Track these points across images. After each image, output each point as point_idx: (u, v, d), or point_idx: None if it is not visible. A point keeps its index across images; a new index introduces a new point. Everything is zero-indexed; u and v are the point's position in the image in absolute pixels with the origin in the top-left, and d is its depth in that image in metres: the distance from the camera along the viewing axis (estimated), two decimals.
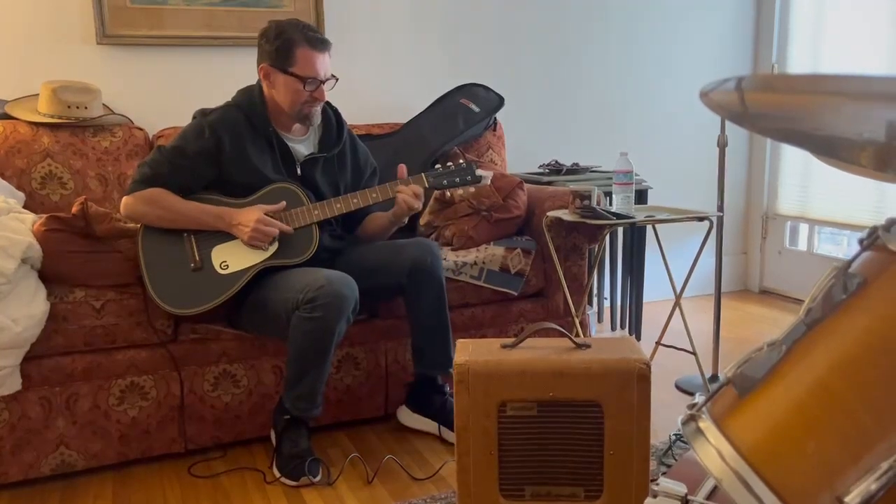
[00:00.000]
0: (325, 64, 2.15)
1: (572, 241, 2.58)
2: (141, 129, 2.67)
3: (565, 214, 2.43)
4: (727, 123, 2.84)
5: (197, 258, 2.10)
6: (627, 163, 2.47)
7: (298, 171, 2.23)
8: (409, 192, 2.16)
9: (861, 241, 0.82)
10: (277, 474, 2.06)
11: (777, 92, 0.68)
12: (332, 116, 2.32)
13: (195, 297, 2.05)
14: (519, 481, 1.64)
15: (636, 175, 2.71)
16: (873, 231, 0.80)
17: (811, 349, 0.76)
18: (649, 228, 3.19)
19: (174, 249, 2.11)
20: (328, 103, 2.29)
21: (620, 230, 3.38)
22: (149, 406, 2.14)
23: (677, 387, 2.70)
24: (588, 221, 2.33)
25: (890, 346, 0.69)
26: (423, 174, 2.21)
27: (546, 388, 1.60)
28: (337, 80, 2.20)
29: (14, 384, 1.96)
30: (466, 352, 1.67)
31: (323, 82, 2.16)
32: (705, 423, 0.80)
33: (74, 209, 2.05)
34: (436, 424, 2.27)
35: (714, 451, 0.76)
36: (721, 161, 2.60)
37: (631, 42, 3.64)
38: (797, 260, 3.89)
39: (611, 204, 2.56)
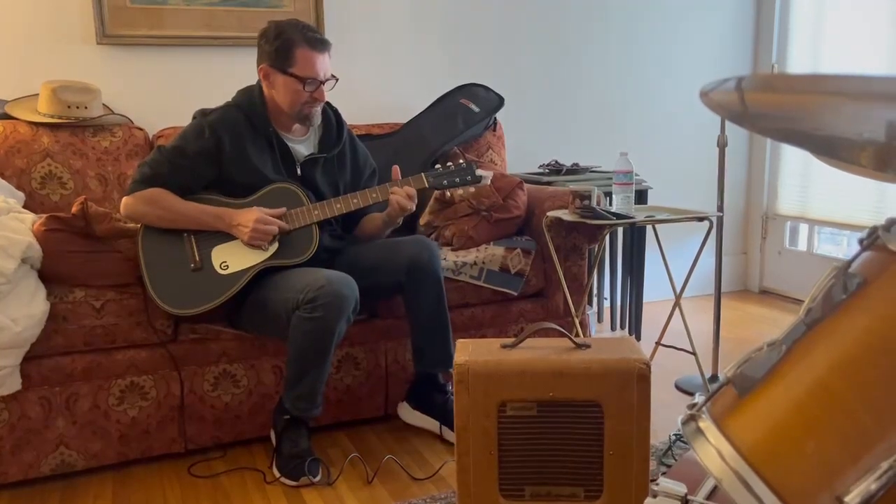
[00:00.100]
0: (324, 64, 2.15)
1: (572, 241, 2.58)
2: (141, 129, 2.67)
3: (565, 214, 2.43)
4: (727, 123, 2.84)
5: (197, 258, 2.10)
6: (627, 163, 2.48)
7: (298, 172, 2.23)
8: (402, 194, 2.16)
9: (861, 241, 0.82)
10: (277, 474, 2.06)
11: (777, 92, 0.68)
12: (332, 117, 2.32)
13: (195, 298, 2.05)
14: (519, 481, 1.64)
15: (636, 175, 2.71)
16: (873, 231, 0.80)
17: (811, 349, 0.76)
18: (649, 228, 3.19)
19: (174, 249, 2.11)
20: (328, 103, 2.29)
21: (620, 230, 3.38)
22: (149, 406, 2.14)
23: (677, 387, 2.70)
24: (588, 221, 2.33)
25: (890, 346, 0.69)
26: (422, 174, 2.21)
27: (546, 388, 1.60)
28: (337, 80, 2.20)
29: (14, 384, 1.96)
30: (466, 352, 1.67)
31: (322, 83, 2.16)
32: (705, 423, 0.80)
33: (74, 209, 2.05)
34: (436, 423, 2.27)
35: (714, 451, 0.76)
36: (721, 161, 2.60)
37: (631, 42, 3.64)
38: (797, 260, 3.89)
39: (611, 204, 2.56)
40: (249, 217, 2.07)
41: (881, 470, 0.62)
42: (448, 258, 2.44)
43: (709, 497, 0.89)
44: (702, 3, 3.74)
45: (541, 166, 3.35)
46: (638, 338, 3.29)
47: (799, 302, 3.75)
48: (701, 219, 2.44)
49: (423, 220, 2.72)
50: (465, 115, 2.98)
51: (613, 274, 3.41)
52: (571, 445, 1.61)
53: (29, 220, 2.08)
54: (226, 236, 2.12)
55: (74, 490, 2.05)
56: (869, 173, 1.00)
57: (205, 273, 2.08)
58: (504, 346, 1.70)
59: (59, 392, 2.04)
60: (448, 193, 2.62)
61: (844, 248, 3.76)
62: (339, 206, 2.16)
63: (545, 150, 3.50)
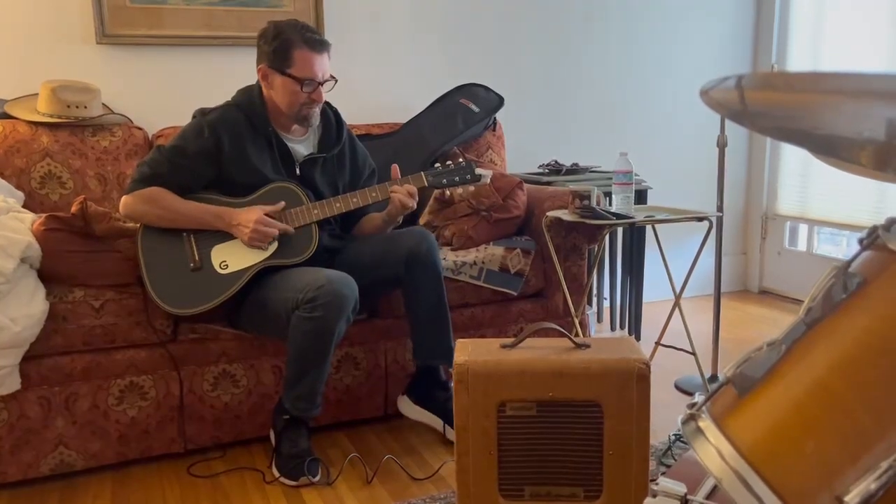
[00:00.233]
0: (323, 65, 2.14)
1: (572, 241, 2.58)
2: (140, 129, 2.66)
3: (565, 214, 2.43)
4: (727, 124, 2.84)
5: (196, 258, 2.10)
6: (627, 163, 2.47)
7: (298, 171, 2.23)
8: (403, 192, 2.16)
9: (861, 241, 0.82)
10: (277, 474, 2.06)
11: (777, 90, 0.68)
12: (331, 116, 2.31)
13: (195, 297, 2.05)
14: (518, 481, 1.64)
15: (636, 175, 2.71)
16: (873, 230, 0.80)
17: (811, 349, 0.76)
18: (649, 228, 3.19)
19: (174, 249, 2.10)
20: (328, 103, 2.29)
21: (620, 230, 3.38)
22: (148, 406, 2.14)
23: (677, 387, 2.70)
24: (588, 221, 2.33)
25: (889, 346, 0.69)
26: (422, 173, 2.21)
27: (545, 388, 1.59)
28: (336, 81, 2.20)
29: (13, 384, 1.96)
30: (466, 352, 1.67)
31: (321, 84, 2.15)
32: (705, 423, 0.80)
33: (74, 209, 2.05)
34: (437, 419, 2.26)
35: (714, 451, 0.76)
36: (721, 161, 2.60)
37: (631, 42, 3.64)
38: (796, 260, 3.89)
39: (610, 204, 2.55)
40: (249, 217, 2.07)
41: (881, 470, 0.62)
42: (448, 258, 2.43)
43: (708, 497, 0.89)
44: (702, 3, 3.74)
45: (540, 166, 3.35)
46: (637, 338, 3.29)
47: (798, 302, 3.75)
48: (700, 219, 2.44)
49: (422, 220, 2.72)
50: (465, 115, 2.98)
51: (613, 274, 3.41)
52: (571, 445, 1.61)
53: (28, 220, 2.08)
54: (225, 236, 2.12)
55: (74, 490, 2.05)
56: (869, 172, 1.00)
57: (204, 273, 2.08)
58: (504, 346, 1.70)
59: (58, 392, 2.04)
60: (448, 193, 2.62)
61: (844, 248, 3.76)
62: (338, 205, 2.16)
63: (545, 150, 3.50)
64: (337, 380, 2.33)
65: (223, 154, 2.14)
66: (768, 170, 3.97)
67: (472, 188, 2.25)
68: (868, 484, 0.62)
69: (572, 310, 2.49)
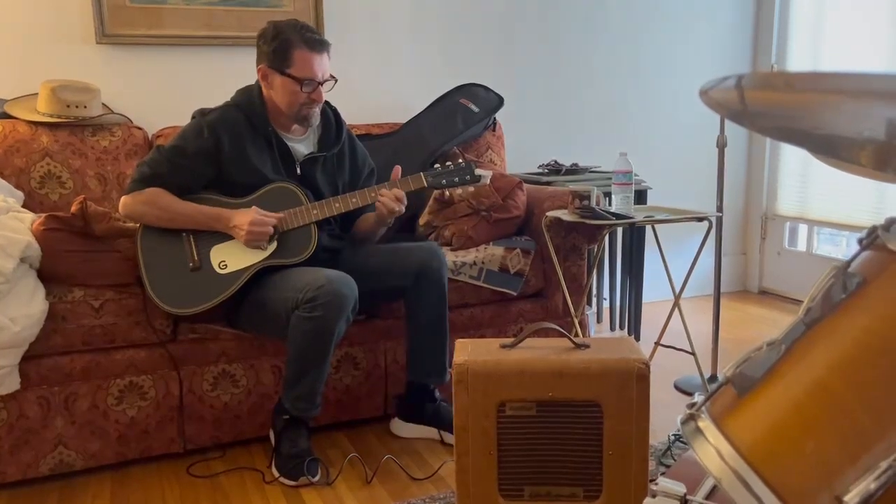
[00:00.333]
0: (322, 65, 2.14)
1: (571, 241, 2.58)
2: (140, 129, 2.66)
3: (565, 214, 2.43)
4: (727, 124, 2.84)
5: (196, 258, 2.10)
6: (627, 163, 2.47)
7: (298, 171, 2.22)
8: (390, 197, 2.14)
9: (860, 241, 0.82)
10: (276, 474, 2.05)
11: (777, 90, 0.68)
12: (331, 116, 2.31)
13: (194, 297, 2.05)
14: (518, 481, 1.64)
15: (635, 175, 2.71)
16: (873, 230, 0.80)
17: (810, 349, 0.76)
18: (648, 229, 3.19)
19: (173, 249, 2.10)
20: (327, 103, 2.29)
21: (620, 230, 3.38)
22: (147, 406, 2.14)
23: (676, 387, 2.70)
24: (587, 221, 2.33)
25: (889, 346, 0.69)
26: (421, 173, 2.21)
27: (545, 388, 1.59)
28: (336, 80, 2.20)
29: (12, 384, 1.96)
30: (465, 352, 1.67)
31: (320, 84, 2.15)
32: (704, 423, 0.80)
33: (73, 208, 2.05)
34: (433, 430, 2.27)
35: (713, 451, 0.76)
36: (720, 161, 2.60)
37: (630, 42, 3.64)
38: (796, 260, 3.89)
39: (610, 204, 2.55)
40: (245, 218, 2.07)
41: (880, 469, 0.62)
42: (447, 258, 2.43)
43: (708, 497, 0.89)
44: (701, 3, 3.75)
45: (540, 166, 3.35)
46: (637, 338, 3.29)
47: (798, 302, 3.75)
48: (700, 219, 2.44)
49: (422, 220, 2.72)
50: (465, 115, 2.98)
51: (613, 274, 3.41)
52: (571, 445, 1.61)
53: (28, 220, 2.08)
54: (225, 235, 2.12)
55: (73, 490, 2.05)
56: (869, 173, 1.00)
57: (204, 273, 2.08)
58: (503, 346, 1.70)
59: (57, 392, 2.04)
60: (447, 193, 2.62)
61: (843, 248, 3.76)
62: (337, 205, 2.16)
63: (545, 150, 3.50)
64: (337, 380, 2.33)
65: (223, 154, 2.14)
66: (768, 170, 3.97)
67: (471, 188, 2.25)
68: (867, 484, 0.62)
69: (572, 310, 2.49)
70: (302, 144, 2.26)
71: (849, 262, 0.80)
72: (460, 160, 2.26)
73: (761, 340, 0.84)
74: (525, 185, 2.72)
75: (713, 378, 2.67)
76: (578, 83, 3.56)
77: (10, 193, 2.32)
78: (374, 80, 3.17)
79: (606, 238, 3.06)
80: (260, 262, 2.09)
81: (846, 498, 0.63)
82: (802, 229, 3.87)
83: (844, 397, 0.70)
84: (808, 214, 3.77)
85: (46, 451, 2.05)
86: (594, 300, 3.41)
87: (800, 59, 3.75)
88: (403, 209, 2.17)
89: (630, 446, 1.60)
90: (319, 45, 2.13)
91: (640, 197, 3.16)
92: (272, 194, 2.15)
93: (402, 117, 3.07)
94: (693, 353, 2.50)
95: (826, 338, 0.76)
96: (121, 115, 2.69)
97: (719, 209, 2.61)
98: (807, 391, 0.73)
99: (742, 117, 0.81)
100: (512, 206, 2.61)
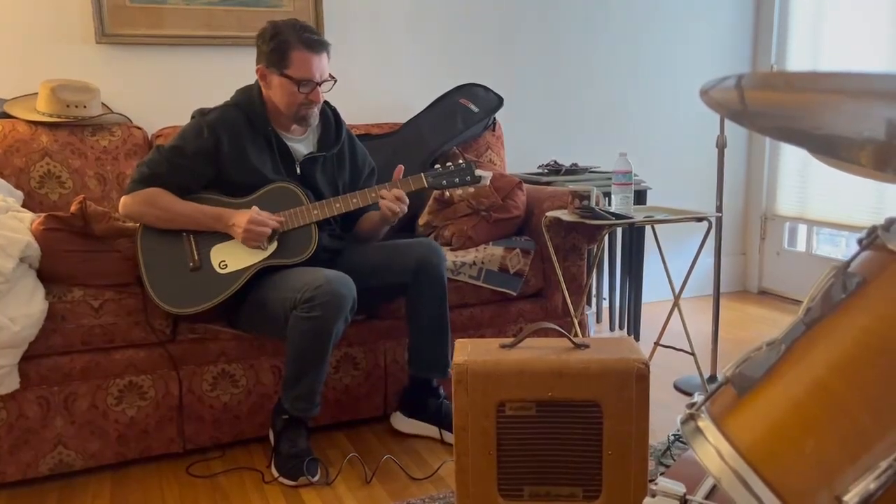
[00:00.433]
0: (320, 66, 2.13)
1: (571, 241, 2.58)
2: (140, 129, 2.66)
3: (564, 214, 2.43)
4: (726, 124, 2.84)
5: (196, 258, 2.10)
6: (626, 163, 2.47)
7: (297, 171, 2.22)
8: (391, 197, 2.14)
9: (860, 241, 0.82)
10: (276, 474, 2.05)
11: (777, 90, 0.68)
12: (330, 116, 2.31)
13: (194, 297, 2.05)
14: (518, 481, 1.64)
15: (635, 175, 2.71)
16: (872, 230, 0.80)
17: (810, 349, 0.76)
18: (648, 229, 3.19)
19: (173, 249, 2.10)
20: (327, 103, 2.29)
21: (619, 230, 3.38)
22: (147, 406, 2.14)
23: (676, 387, 2.70)
24: (587, 222, 2.33)
25: (889, 346, 0.69)
26: (422, 174, 2.21)
27: (545, 388, 1.59)
28: (335, 81, 2.19)
29: (12, 383, 1.96)
30: (465, 352, 1.67)
31: (318, 84, 2.14)
32: (704, 423, 0.80)
33: (73, 208, 2.05)
34: (433, 428, 2.27)
35: (713, 451, 0.76)
36: (720, 162, 2.60)
37: (630, 42, 3.64)
38: (796, 261, 3.89)
39: (610, 204, 2.56)
40: (244, 217, 2.07)
41: (880, 469, 0.62)
42: (447, 258, 2.43)
43: (708, 497, 0.89)
44: (701, 3, 3.75)
45: (540, 166, 3.35)
46: (637, 338, 3.29)
47: (797, 302, 3.75)
48: (700, 219, 2.44)
49: (422, 220, 2.72)
50: (465, 115, 2.98)
51: (612, 274, 3.41)
52: (570, 445, 1.61)
53: (27, 219, 2.08)
54: (225, 236, 2.12)
55: (72, 490, 2.05)
56: (868, 173, 1.00)
57: (203, 272, 2.08)
58: (503, 346, 1.70)
59: (57, 392, 2.04)
60: (447, 193, 2.62)
61: (843, 248, 3.77)
62: (338, 205, 2.16)
63: (544, 150, 3.50)
64: (336, 380, 2.33)
65: (222, 154, 2.14)
66: (767, 170, 3.97)
67: (472, 189, 2.25)
68: (867, 483, 0.62)
69: (571, 310, 2.49)
70: (301, 144, 2.26)
71: (848, 262, 0.80)
72: (461, 161, 2.26)
73: (761, 340, 0.84)
74: (525, 185, 2.72)
75: (713, 378, 2.67)
76: (578, 83, 3.56)
77: (9, 193, 2.32)
78: (373, 80, 3.17)
79: (606, 238, 3.06)
80: (260, 262, 2.09)
81: (846, 497, 0.63)
82: (802, 229, 3.87)
83: (844, 397, 0.70)
84: (808, 215, 3.77)
85: (46, 451, 2.05)
86: (594, 300, 3.41)
87: (799, 59, 3.75)
88: (406, 209, 2.17)
89: (630, 446, 1.60)
90: (318, 46, 2.12)
91: (640, 197, 3.16)
92: (272, 194, 2.15)
93: (402, 117, 3.07)
94: (693, 354, 2.50)
95: (826, 337, 0.76)
96: (120, 114, 2.69)
97: (719, 209, 2.61)
98: (806, 391, 0.73)
99: (742, 117, 0.81)
100: (512, 206, 2.61)
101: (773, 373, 0.78)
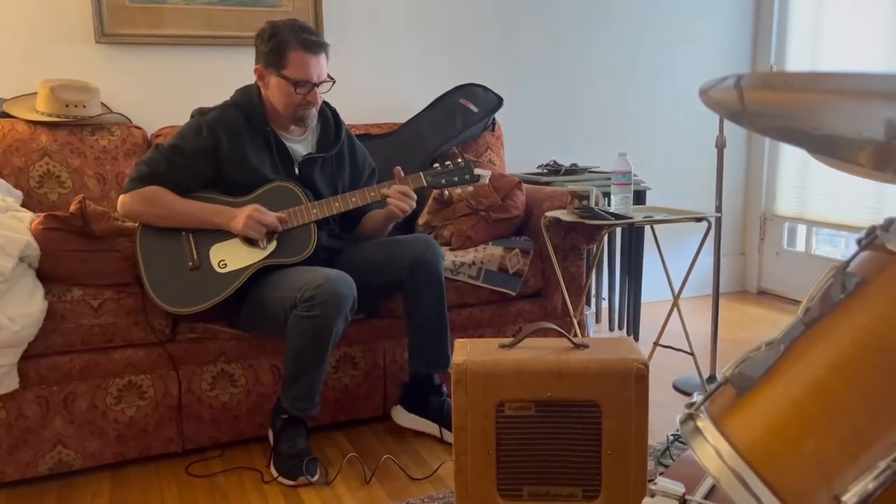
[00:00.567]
0: (318, 67, 2.13)
1: (571, 241, 2.58)
2: (139, 128, 2.66)
3: (564, 215, 2.43)
4: (726, 124, 2.84)
5: (195, 257, 2.10)
6: (626, 163, 2.47)
7: (296, 171, 2.22)
8: (397, 196, 2.14)
9: (859, 241, 0.82)
10: (275, 474, 2.05)
11: (776, 90, 0.68)
12: (330, 117, 2.31)
13: (193, 296, 2.05)
14: (517, 481, 1.64)
15: (634, 175, 2.71)
16: (872, 231, 0.80)
17: (809, 349, 0.76)
18: (647, 229, 3.19)
19: (172, 248, 2.10)
20: (326, 103, 2.29)
21: (619, 231, 3.38)
22: (146, 405, 2.14)
23: (675, 387, 2.70)
24: (586, 222, 2.33)
25: (888, 346, 0.69)
26: (421, 173, 2.21)
27: (544, 388, 1.59)
28: (333, 81, 2.18)
29: (11, 383, 1.96)
30: (464, 352, 1.67)
31: (316, 85, 2.14)
32: (703, 423, 0.80)
33: (72, 208, 2.05)
34: (434, 425, 2.27)
35: (712, 450, 0.76)
36: (719, 162, 2.60)
37: (630, 42, 3.64)
38: (795, 261, 3.89)
39: (609, 204, 2.56)
40: (245, 211, 2.08)
41: (879, 469, 0.62)
42: (446, 258, 2.43)
43: (707, 496, 0.89)
44: (701, 3, 3.75)
45: (539, 166, 3.35)
46: (636, 338, 3.29)
47: (797, 303, 3.75)
48: (699, 219, 2.44)
49: (421, 220, 2.72)
50: (464, 115, 2.98)
51: (612, 274, 3.41)
52: (569, 445, 1.61)
53: (27, 219, 2.08)
54: (224, 235, 2.12)
55: (72, 489, 2.05)
56: (867, 173, 1.00)
57: (203, 272, 2.08)
58: (502, 346, 1.70)
59: (56, 391, 2.04)
60: (446, 193, 2.62)
61: (842, 249, 3.77)
62: (337, 204, 2.16)
63: (544, 150, 3.50)
64: (335, 379, 2.33)
65: (221, 153, 2.14)
66: (767, 170, 3.97)
67: (470, 188, 2.25)
68: (866, 483, 0.62)
69: (571, 310, 2.49)
70: (300, 145, 2.26)
71: (847, 263, 0.81)
72: (459, 160, 2.26)
73: (760, 340, 0.84)
74: (524, 186, 2.72)
75: (712, 378, 2.67)
76: (578, 83, 3.56)
77: (8, 193, 2.32)
78: (373, 80, 3.17)
79: (605, 238, 3.06)
80: (259, 261, 2.09)
81: (845, 497, 0.63)
82: (801, 230, 3.88)
83: (843, 397, 0.70)
84: (807, 215, 3.78)
85: (45, 451, 2.05)
86: (593, 300, 3.41)
87: (799, 58, 3.75)
88: (414, 205, 2.18)
89: (629, 446, 1.60)
90: (316, 47, 2.12)
91: (639, 197, 3.16)
92: (272, 193, 2.15)
93: (402, 117, 3.07)
94: (692, 354, 2.50)
95: (825, 337, 0.76)
96: (120, 114, 2.69)
97: (718, 209, 2.61)
98: (806, 391, 0.73)
99: (741, 117, 0.81)
100: (511, 206, 2.61)
101: (772, 373, 0.78)
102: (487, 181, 2.30)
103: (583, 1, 3.51)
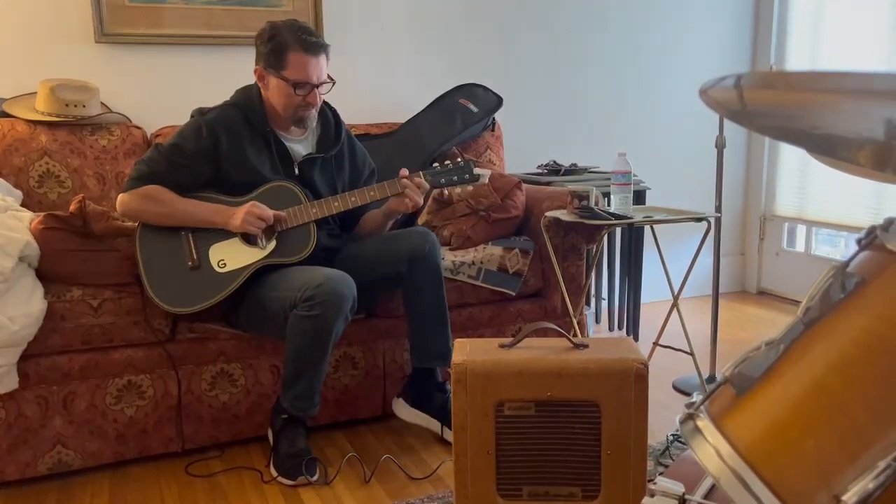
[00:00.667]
0: (318, 68, 2.12)
1: (570, 241, 2.58)
2: (139, 128, 2.66)
3: (563, 215, 2.43)
4: (725, 124, 2.84)
5: (195, 257, 2.10)
6: (626, 163, 2.48)
7: (296, 171, 2.22)
8: (413, 188, 2.15)
9: (859, 241, 0.82)
10: (275, 474, 2.05)
11: (776, 89, 0.68)
12: (330, 117, 2.31)
13: (193, 296, 2.05)
14: (516, 481, 1.64)
15: (634, 175, 2.71)
16: (871, 231, 0.80)
17: (809, 348, 0.76)
18: (647, 229, 3.19)
19: (172, 248, 2.10)
20: (326, 103, 2.29)
21: (618, 231, 3.38)
22: (146, 405, 2.14)
23: (675, 387, 2.70)
24: (586, 222, 2.33)
25: (888, 346, 0.69)
26: (420, 173, 2.21)
27: (544, 388, 1.59)
28: (333, 82, 2.18)
29: (11, 383, 1.96)
30: (464, 351, 1.67)
31: (316, 87, 2.14)
32: (703, 422, 0.80)
33: (72, 207, 2.05)
34: (435, 422, 2.26)
35: (712, 450, 0.76)
36: (719, 162, 2.60)
37: (629, 43, 3.64)
38: (794, 261, 3.89)
39: (609, 204, 2.56)
40: (242, 209, 2.08)
41: (879, 469, 0.62)
42: (446, 258, 2.43)
43: (706, 496, 0.89)
44: (701, 3, 3.75)
45: (539, 166, 3.35)
46: (636, 338, 3.29)
47: (796, 303, 3.75)
48: (699, 219, 2.44)
49: (421, 220, 2.72)
50: (464, 115, 2.98)
51: (611, 274, 3.41)
52: (569, 445, 1.61)
53: (27, 219, 2.08)
54: (224, 234, 2.12)
55: (71, 489, 2.05)
56: (867, 173, 1.00)
57: (202, 271, 2.08)
58: (502, 346, 1.70)
59: (56, 391, 2.04)
60: (446, 193, 2.62)
61: (842, 249, 3.77)
62: (337, 204, 2.16)
63: (544, 150, 3.50)
64: (335, 379, 2.33)
65: (221, 153, 2.14)
66: (766, 171, 3.97)
67: (470, 188, 2.25)
68: (866, 483, 0.62)
69: (570, 310, 2.49)
70: (300, 145, 2.26)
71: (847, 262, 0.80)
72: (459, 159, 2.26)
73: (760, 340, 0.84)
74: (524, 186, 2.72)
75: (712, 378, 2.67)
76: (578, 83, 3.56)
77: (8, 192, 2.32)
78: (373, 80, 3.17)
79: (605, 238, 3.06)
80: (259, 260, 2.09)
81: (844, 497, 0.63)
82: (801, 230, 3.88)
83: (843, 397, 0.70)
84: (807, 215, 3.78)
85: (45, 451, 2.05)
86: (593, 300, 3.41)
87: (799, 58, 3.75)
88: (420, 201, 2.18)
89: (628, 446, 1.60)
90: (315, 48, 2.11)
91: (639, 197, 3.16)
92: (271, 193, 2.15)
93: (402, 117, 3.07)
94: (691, 354, 2.50)
95: (825, 337, 0.76)
96: (119, 114, 2.69)
97: (718, 210, 2.61)
98: (805, 391, 0.73)
99: (741, 117, 0.81)
100: (511, 206, 2.61)
101: (771, 373, 0.78)
102: (487, 181, 2.30)
103: (583, 1, 3.51)
